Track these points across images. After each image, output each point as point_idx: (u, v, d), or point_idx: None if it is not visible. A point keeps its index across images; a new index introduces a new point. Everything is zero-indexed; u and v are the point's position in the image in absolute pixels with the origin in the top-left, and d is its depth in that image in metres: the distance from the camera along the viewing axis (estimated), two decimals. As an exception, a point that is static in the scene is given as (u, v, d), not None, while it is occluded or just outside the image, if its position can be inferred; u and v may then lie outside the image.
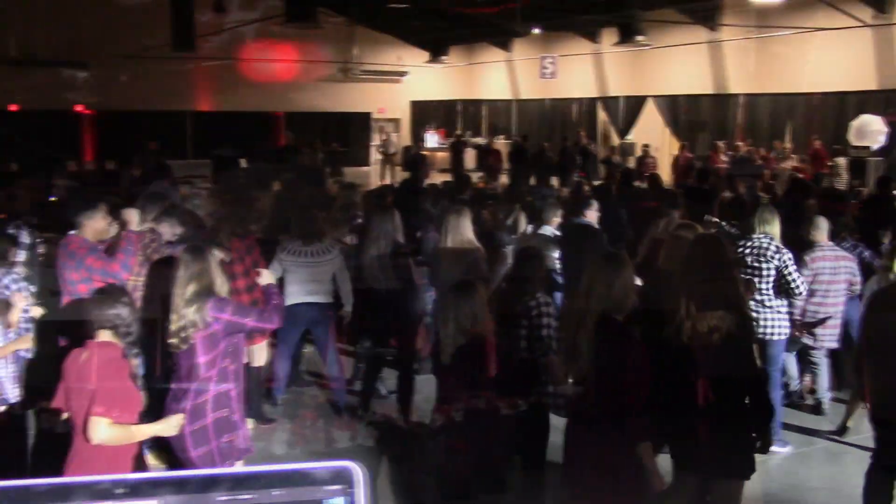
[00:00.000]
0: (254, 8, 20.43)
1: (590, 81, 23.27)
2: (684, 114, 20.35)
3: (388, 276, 6.51)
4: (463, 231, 6.40)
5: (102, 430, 3.57)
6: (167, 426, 3.93)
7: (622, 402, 3.66)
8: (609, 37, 20.97)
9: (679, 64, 20.27)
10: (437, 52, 24.57)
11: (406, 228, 7.32)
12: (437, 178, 19.89)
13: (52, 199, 11.88)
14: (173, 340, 4.12)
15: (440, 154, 25.00)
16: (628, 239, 8.28)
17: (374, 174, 23.80)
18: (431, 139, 26.42)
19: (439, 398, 4.48)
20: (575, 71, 23.28)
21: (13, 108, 21.87)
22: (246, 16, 20.04)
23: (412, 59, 26.78)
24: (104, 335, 3.78)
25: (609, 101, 22.62)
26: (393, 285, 6.52)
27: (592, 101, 23.25)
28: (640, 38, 18.86)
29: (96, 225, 5.63)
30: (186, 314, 4.08)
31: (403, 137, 27.93)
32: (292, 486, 0.91)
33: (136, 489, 0.89)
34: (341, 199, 9.08)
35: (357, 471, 0.92)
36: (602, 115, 23.10)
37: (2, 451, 4.89)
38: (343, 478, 0.92)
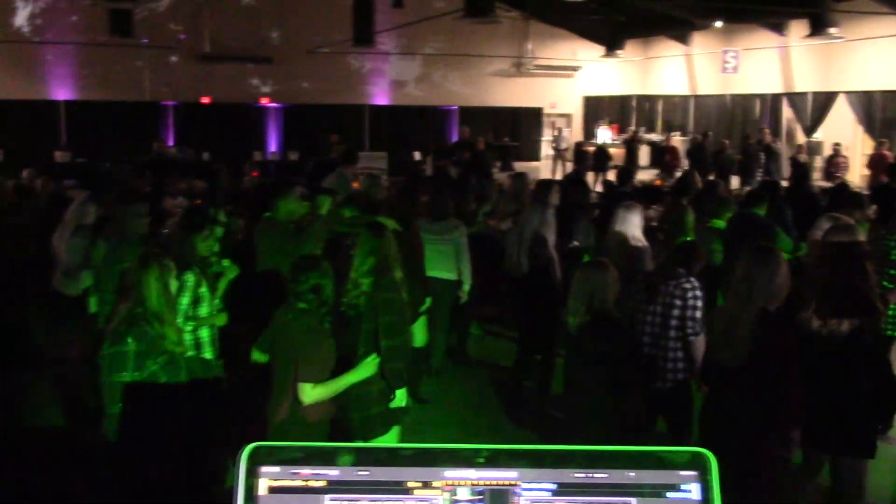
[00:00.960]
0: (432, 3, 20.76)
1: (775, 76, 22.21)
2: (880, 111, 19.03)
3: (531, 263, 6.78)
4: (629, 226, 6.31)
5: (309, 393, 3.91)
6: (365, 367, 4.16)
7: (780, 391, 3.91)
8: (798, 29, 19.96)
9: (874, 57, 18.98)
10: (612, 46, 24.12)
11: (566, 221, 7.34)
12: (610, 175, 19.61)
13: (243, 186, 12.48)
14: (344, 308, 4.45)
15: (613, 150, 24.59)
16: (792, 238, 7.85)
17: (544, 169, 23.69)
18: (604, 135, 26.02)
19: (567, 380, 4.73)
20: (759, 65, 22.28)
21: (205, 100, 23.24)
22: (424, 11, 20.38)
23: (586, 54, 26.46)
24: (300, 304, 4.05)
25: (795, 97, 21.50)
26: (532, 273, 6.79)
27: (777, 97, 22.17)
28: (832, 30, 17.83)
29: (289, 206, 5.96)
30: (362, 284, 4.45)
31: (575, 133, 27.67)
32: (648, 469, 0.90)
33: (496, 459, 0.92)
34: (511, 190, 9.16)
35: (711, 458, 0.89)
36: (787, 112, 21.99)
37: (206, 414, 5.17)
38: (698, 464, 0.90)
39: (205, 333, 5.21)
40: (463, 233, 6.97)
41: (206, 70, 23.24)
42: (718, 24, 21.61)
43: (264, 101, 23.82)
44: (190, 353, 5.15)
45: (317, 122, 22.82)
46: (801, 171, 12.74)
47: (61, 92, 22.56)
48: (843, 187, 10.34)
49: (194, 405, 4.22)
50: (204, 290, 5.20)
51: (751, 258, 4.11)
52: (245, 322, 5.46)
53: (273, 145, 23.93)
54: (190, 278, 5.08)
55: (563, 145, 23.54)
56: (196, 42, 22.91)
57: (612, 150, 24.39)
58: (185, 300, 5.06)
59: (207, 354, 5.22)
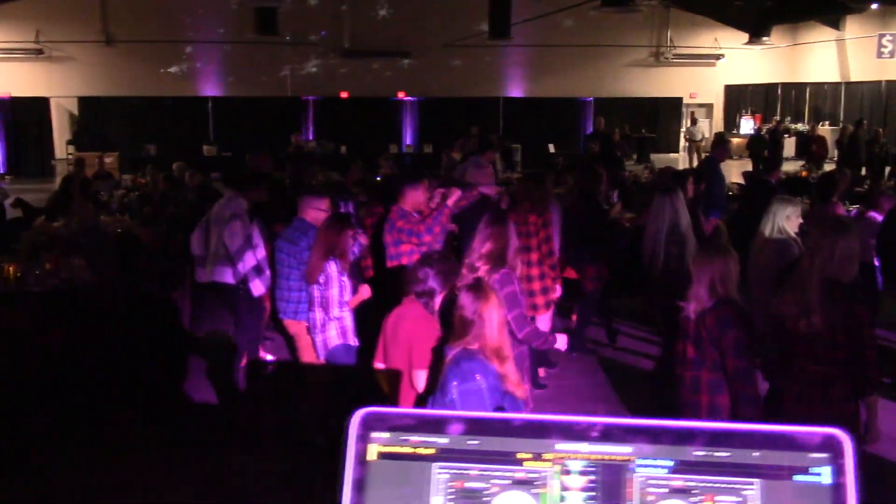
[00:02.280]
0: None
1: (936, 61, 20.81)
2: None
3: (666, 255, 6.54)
4: (779, 221, 5.99)
5: (423, 381, 3.97)
6: None
7: (858, 357, 4.03)
8: (963, 9, 18.66)
9: None
10: (757, 32, 23.15)
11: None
12: (748, 166, 18.90)
13: (378, 178, 12.68)
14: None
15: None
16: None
17: (683, 161, 23.05)
18: (746, 125, 25.09)
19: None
20: (918, 49, 20.94)
21: (344, 95, 23.83)
22: (562, 2, 20.17)
23: (729, 41, 25.56)
24: (412, 297, 4.12)
25: (959, 83, 20.11)
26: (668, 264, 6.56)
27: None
28: None
29: (416, 196, 5.99)
30: (478, 268, 4.52)
31: (716, 123, 26.80)
32: (775, 449, 0.85)
33: (610, 433, 0.89)
34: (651, 181, 8.93)
35: (846, 440, 0.83)
36: (949, 99, 20.60)
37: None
38: (831, 446, 0.84)
39: (348, 321, 5.40)
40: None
41: (346, 65, 23.85)
42: (874, 6, 20.42)
43: (401, 95, 24.20)
44: (336, 342, 5.34)
45: (452, 115, 23.02)
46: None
47: (209, 88, 23.65)
48: None
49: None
50: (345, 278, 5.39)
51: (823, 228, 4.29)
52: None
53: (409, 138, 24.28)
54: (333, 268, 5.28)
55: (699, 136, 22.80)
56: (336, 38, 23.54)
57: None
58: (334, 291, 5.27)
59: (351, 341, 5.42)
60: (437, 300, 4.21)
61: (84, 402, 5.68)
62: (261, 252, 6.39)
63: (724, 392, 4.20)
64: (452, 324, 3.55)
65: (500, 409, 3.29)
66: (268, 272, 6.34)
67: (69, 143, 22.34)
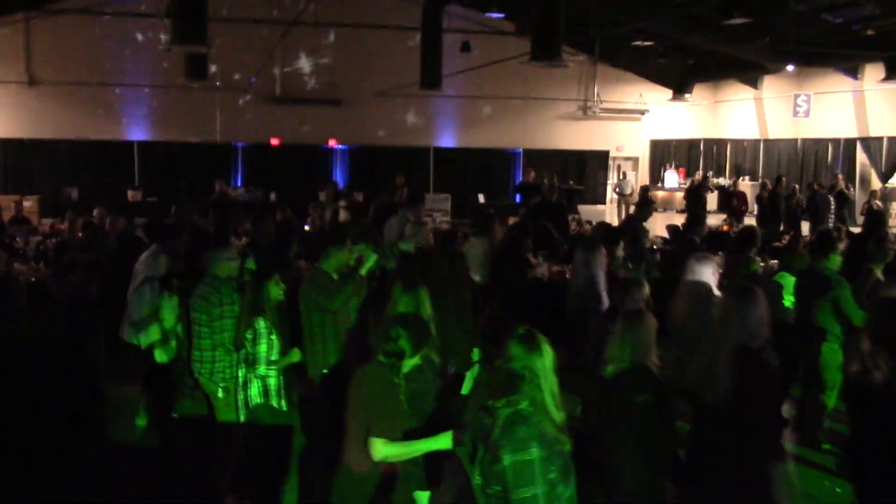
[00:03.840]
0: (500, 47, 20.86)
1: (848, 121, 21.70)
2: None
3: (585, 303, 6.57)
4: (701, 278, 6.08)
5: (380, 449, 3.77)
6: (445, 440, 3.91)
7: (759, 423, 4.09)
8: (873, 73, 19.51)
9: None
10: (680, 89, 23.91)
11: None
12: (676, 220, 19.29)
13: (306, 227, 12.57)
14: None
15: (679, 194, 24.27)
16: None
17: (609, 213, 23.45)
18: (671, 179, 25.70)
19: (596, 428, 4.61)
20: (831, 109, 21.83)
21: (275, 142, 23.69)
22: (491, 55, 20.49)
23: (654, 97, 26.27)
24: (378, 357, 3.95)
25: (870, 142, 20.95)
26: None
27: (851, 141, 21.64)
28: (909, 74, 17.38)
29: (339, 257, 5.90)
30: None
31: (642, 177, 27.40)
32: None
33: None
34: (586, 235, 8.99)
35: None
36: (862, 157, 21.43)
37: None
38: None
39: (273, 381, 5.23)
40: None
41: (276, 112, 23.74)
42: (790, 67, 21.25)
43: (332, 143, 24.15)
44: (258, 401, 5.17)
45: (383, 164, 23.06)
46: (876, 217, 12.30)
47: (136, 132, 23.24)
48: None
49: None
50: (275, 336, 5.24)
51: (730, 296, 4.36)
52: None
53: (340, 186, 24.18)
54: (261, 324, 5.13)
55: (628, 189, 23.26)
56: (267, 85, 23.43)
57: (678, 195, 24.09)
58: (262, 347, 5.11)
59: (274, 402, 5.24)
60: (407, 364, 4.02)
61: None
62: (170, 321, 6.15)
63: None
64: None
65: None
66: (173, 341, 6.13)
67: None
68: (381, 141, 24.33)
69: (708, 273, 6.16)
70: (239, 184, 22.74)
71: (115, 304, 8.72)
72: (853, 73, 20.95)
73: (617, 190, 24.01)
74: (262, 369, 5.11)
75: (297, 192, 20.75)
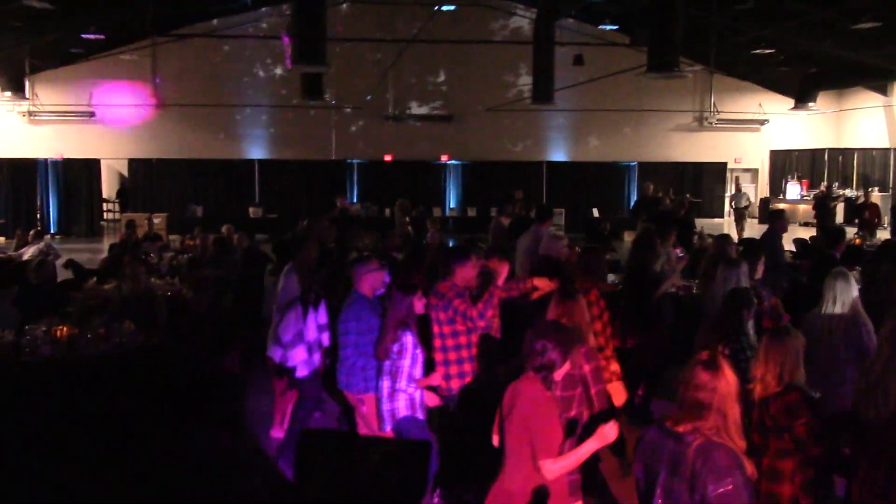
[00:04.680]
0: (613, 59, 20.62)
1: None
2: None
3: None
4: (846, 299, 5.73)
5: (551, 469, 3.71)
6: (603, 436, 3.83)
7: None
8: None
9: None
10: (802, 98, 23.06)
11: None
12: (799, 233, 18.59)
13: (424, 241, 12.62)
14: None
15: (803, 207, 23.39)
16: None
17: (727, 226, 22.77)
18: (793, 190, 24.80)
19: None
20: (969, 116, 20.69)
21: (388, 158, 24.02)
22: (606, 68, 20.26)
23: (774, 107, 25.48)
24: (530, 374, 3.88)
25: None
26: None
27: None
28: None
29: (466, 273, 5.84)
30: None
31: (762, 188, 26.57)
32: None
33: None
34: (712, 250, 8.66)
35: None
36: None
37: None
38: None
39: (417, 395, 5.27)
40: None
41: (389, 129, 24.12)
42: (922, 72, 20.26)
43: (444, 158, 24.33)
44: (405, 414, 5.21)
45: (495, 179, 23.06)
46: None
47: (255, 151, 23.99)
48: None
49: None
50: (419, 351, 5.28)
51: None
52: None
53: (452, 201, 24.32)
54: (408, 339, 5.18)
55: (743, 202, 22.46)
56: (380, 103, 23.85)
57: (801, 207, 23.23)
58: (406, 361, 5.16)
59: (420, 415, 5.28)
60: (559, 373, 3.96)
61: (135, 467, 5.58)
62: (311, 335, 6.25)
63: (785, 482, 4.01)
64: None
65: None
66: (317, 354, 6.23)
67: (113, 200, 22.92)
68: (493, 156, 24.37)
69: (854, 290, 5.84)
70: (354, 200, 23.12)
71: (248, 317, 8.99)
72: None
73: (733, 203, 23.29)
74: (403, 383, 5.14)
75: (412, 206, 20.98)
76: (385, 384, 5.25)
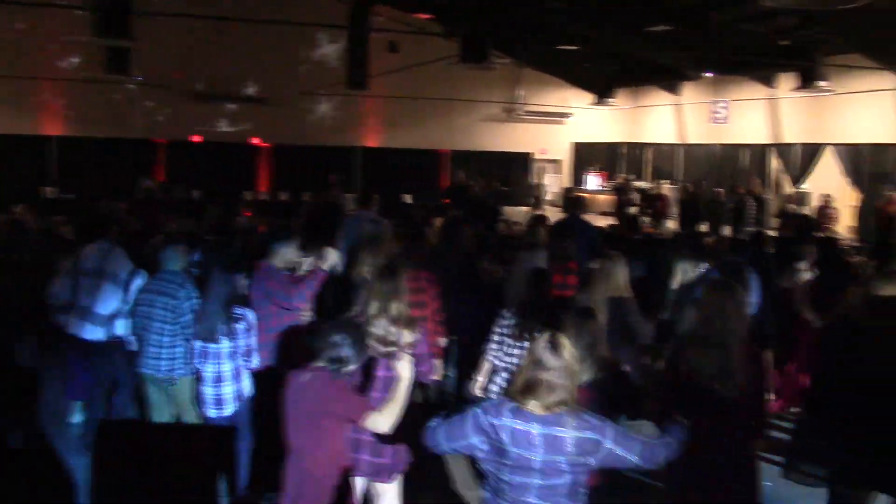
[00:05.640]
0: (428, 48, 20.93)
1: (763, 127, 22.46)
2: (867, 164, 19.21)
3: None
4: (616, 279, 6.19)
5: (379, 420, 3.88)
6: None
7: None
8: (787, 82, 20.24)
9: (862, 111, 19.24)
10: (603, 94, 24.39)
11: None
12: (599, 221, 19.68)
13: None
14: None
15: (601, 197, 24.72)
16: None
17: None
18: (592, 181, 26.18)
19: None
20: (747, 116, 22.55)
21: (196, 138, 23.25)
22: (419, 56, 20.55)
23: (577, 101, 26.72)
24: (319, 362, 3.92)
25: (783, 149, 21.72)
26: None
27: (765, 147, 22.40)
28: (822, 83, 18.10)
29: (288, 254, 5.85)
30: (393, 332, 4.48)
31: (565, 179, 27.86)
32: None
33: None
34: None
35: None
36: (775, 163, 22.21)
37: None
38: None
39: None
40: None
41: (199, 109, 23.31)
42: (708, 74, 21.89)
43: (255, 141, 23.85)
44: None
45: (308, 163, 22.86)
46: (806, 222, 12.68)
47: (53, 127, 22.52)
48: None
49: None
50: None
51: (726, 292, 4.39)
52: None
53: (264, 185, 23.93)
54: (251, 315, 5.15)
55: (542, 192, 23.55)
56: (190, 81, 22.98)
57: (600, 197, 24.54)
58: (255, 339, 5.14)
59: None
60: (350, 370, 3.96)
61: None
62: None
63: None
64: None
65: None
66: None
67: None
68: (306, 140, 24.13)
69: (620, 273, 6.28)
70: (160, 181, 22.22)
71: (43, 305, 8.50)
72: (768, 81, 21.69)
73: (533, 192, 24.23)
74: (256, 361, 5.13)
75: (220, 190, 20.48)
76: (228, 366, 5.17)
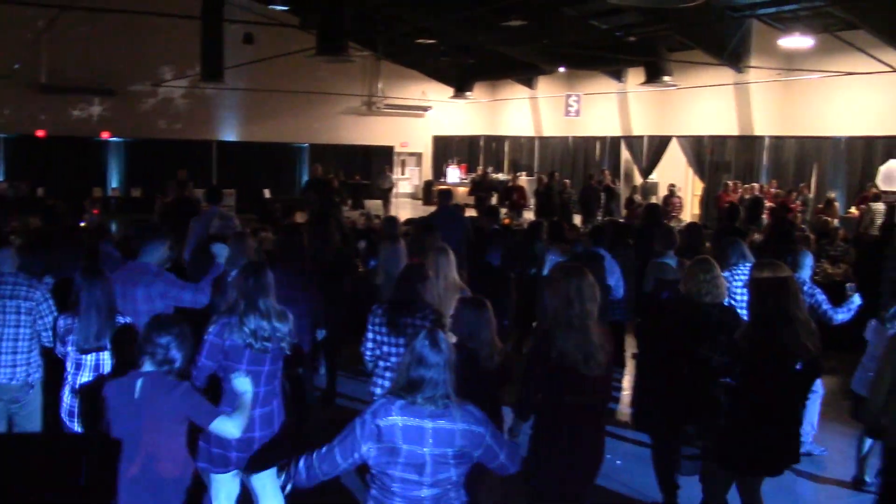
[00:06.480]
0: (284, 40, 20.64)
1: (614, 120, 23.35)
2: (708, 154, 20.30)
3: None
4: (447, 273, 6.25)
5: (227, 424, 3.85)
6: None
7: None
8: (635, 77, 21.10)
9: (703, 104, 20.31)
10: (461, 87, 24.74)
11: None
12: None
13: (82, 224, 11.91)
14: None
15: (462, 189, 25.09)
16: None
17: (394, 207, 23.82)
18: (453, 174, 26.52)
19: None
20: (599, 110, 23.37)
21: (40, 133, 22.11)
22: (276, 48, 20.24)
23: (436, 95, 26.99)
24: (147, 363, 3.81)
25: (633, 140, 22.66)
26: None
27: (616, 139, 23.30)
28: (666, 78, 18.97)
29: (161, 253, 5.62)
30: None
31: (425, 172, 28.11)
32: None
33: None
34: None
35: None
36: (625, 154, 23.13)
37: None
38: None
39: None
40: None
41: (43, 101, 22.14)
42: (562, 69, 22.55)
43: (105, 135, 22.90)
44: None
45: (162, 158, 22.10)
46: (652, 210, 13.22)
47: None
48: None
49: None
50: None
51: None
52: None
53: (115, 181, 23.03)
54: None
55: (386, 184, 23.68)
56: (32, 71, 21.75)
57: (460, 190, 24.88)
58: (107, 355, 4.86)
59: None
60: (178, 369, 3.86)
61: None
62: None
63: None
64: None
65: None
66: None
67: None
68: (159, 134, 23.38)
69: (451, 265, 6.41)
70: (1, 178, 21.08)
71: None
72: (617, 76, 22.55)
73: (377, 185, 24.25)
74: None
75: (68, 187, 19.60)
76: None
